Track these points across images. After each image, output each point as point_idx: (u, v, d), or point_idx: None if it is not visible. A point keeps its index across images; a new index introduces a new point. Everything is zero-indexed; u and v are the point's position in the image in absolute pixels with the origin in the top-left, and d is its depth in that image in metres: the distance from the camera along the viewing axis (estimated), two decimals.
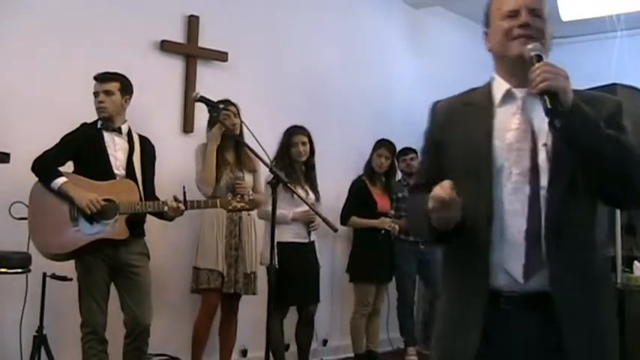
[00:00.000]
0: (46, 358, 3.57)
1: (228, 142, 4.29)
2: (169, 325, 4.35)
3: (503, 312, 1.68)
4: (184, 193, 3.64)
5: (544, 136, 1.70)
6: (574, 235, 1.67)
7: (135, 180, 3.70)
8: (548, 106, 1.56)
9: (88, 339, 3.56)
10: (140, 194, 3.67)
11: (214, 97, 3.80)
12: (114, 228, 3.55)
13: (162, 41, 4.71)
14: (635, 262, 4.89)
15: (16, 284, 3.60)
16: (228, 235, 4.22)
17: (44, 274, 3.59)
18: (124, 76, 3.77)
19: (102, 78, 3.70)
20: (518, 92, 1.77)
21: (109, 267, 3.61)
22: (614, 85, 4.81)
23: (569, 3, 5.72)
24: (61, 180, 3.50)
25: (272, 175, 3.35)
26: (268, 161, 3.48)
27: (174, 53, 4.78)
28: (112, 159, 3.66)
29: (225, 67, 5.01)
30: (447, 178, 1.66)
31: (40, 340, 3.54)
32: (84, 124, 3.73)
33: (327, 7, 5.74)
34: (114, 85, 3.70)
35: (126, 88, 3.76)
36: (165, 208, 3.61)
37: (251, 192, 4.05)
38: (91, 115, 3.75)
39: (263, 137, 3.49)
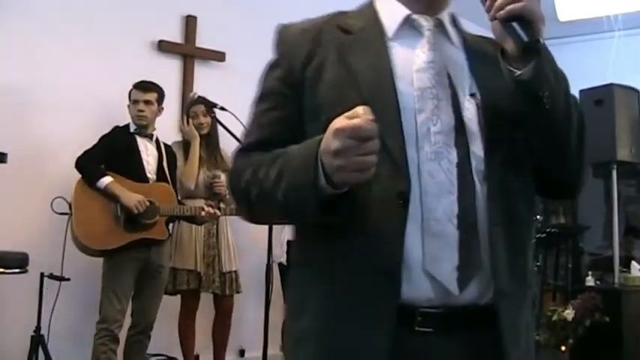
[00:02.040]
0: (44, 358, 3.57)
1: (201, 141, 4.31)
2: (168, 325, 4.34)
3: (419, 336, 1.11)
4: (219, 200, 3.86)
5: (465, 85, 1.22)
6: (519, 224, 1.20)
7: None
8: (525, 39, 1.08)
9: (102, 335, 3.63)
10: (175, 198, 3.87)
11: (212, 97, 3.81)
12: (155, 228, 3.73)
13: (160, 41, 4.71)
14: (633, 263, 4.89)
15: (14, 284, 3.60)
16: (207, 234, 4.22)
17: (42, 274, 3.58)
18: (160, 87, 3.95)
19: (143, 88, 3.87)
20: (424, 21, 1.25)
21: (138, 266, 3.74)
22: (611, 85, 4.82)
23: (566, 3, 5.74)
24: (107, 179, 3.64)
25: None
26: None
27: (171, 53, 4.78)
28: (145, 163, 3.82)
29: (223, 67, 5.01)
30: (314, 136, 1.09)
31: (37, 340, 3.53)
32: (117, 127, 3.86)
33: (325, 7, 5.72)
34: (153, 96, 3.88)
35: (162, 98, 3.96)
36: (203, 213, 3.84)
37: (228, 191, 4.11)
38: (91, 115, 3.76)
39: None
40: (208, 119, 4.23)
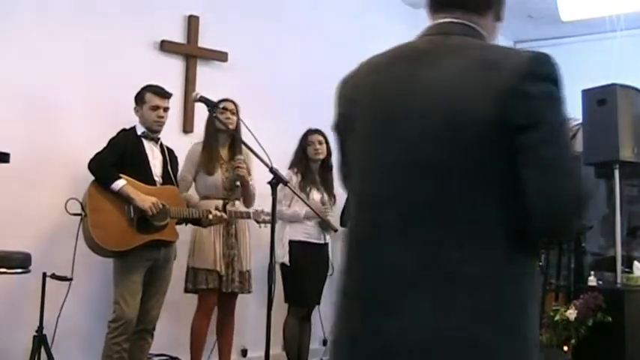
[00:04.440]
0: (46, 358, 3.57)
1: (224, 138, 4.31)
2: (170, 326, 4.35)
3: None
4: (225, 204, 3.98)
5: None
6: None
7: None
8: None
9: (115, 334, 3.67)
10: (183, 200, 3.93)
11: (214, 97, 3.82)
12: (166, 230, 3.80)
13: (162, 41, 4.71)
14: (635, 263, 4.89)
15: (16, 284, 3.60)
16: (226, 234, 4.24)
17: (44, 274, 3.59)
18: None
19: (164, 94, 3.95)
20: None
21: (147, 266, 3.79)
22: (613, 85, 4.81)
23: (568, 3, 5.73)
24: (121, 182, 3.68)
25: (272, 175, 3.36)
26: (268, 161, 3.48)
27: (174, 53, 4.79)
28: (152, 167, 3.87)
29: (225, 67, 5.01)
30: None
31: (39, 340, 3.54)
32: (123, 130, 3.88)
33: (326, 8, 5.74)
34: (169, 102, 3.96)
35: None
36: (210, 216, 3.93)
37: (252, 177, 4.23)
38: (95, 115, 3.76)
39: (262, 137, 3.49)
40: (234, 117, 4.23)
